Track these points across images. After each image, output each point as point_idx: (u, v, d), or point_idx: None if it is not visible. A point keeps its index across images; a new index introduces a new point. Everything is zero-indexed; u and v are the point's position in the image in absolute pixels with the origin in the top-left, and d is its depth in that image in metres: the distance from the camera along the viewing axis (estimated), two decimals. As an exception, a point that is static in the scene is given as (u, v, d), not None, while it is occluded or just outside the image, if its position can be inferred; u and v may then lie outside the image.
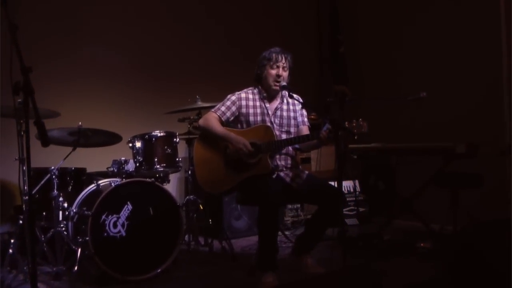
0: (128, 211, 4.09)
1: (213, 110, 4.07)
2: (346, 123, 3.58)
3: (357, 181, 6.02)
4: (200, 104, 4.95)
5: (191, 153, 4.85)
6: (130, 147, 4.56)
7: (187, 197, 4.97)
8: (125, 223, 4.06)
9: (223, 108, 4.04)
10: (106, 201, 4.01)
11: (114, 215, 4.03)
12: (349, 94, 6.20)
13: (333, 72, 6.52)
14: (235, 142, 3.88)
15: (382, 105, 5.80)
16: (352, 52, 6.57)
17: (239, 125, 4.08)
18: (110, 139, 4.56)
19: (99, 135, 4.44)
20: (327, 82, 6.80)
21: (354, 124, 3.58)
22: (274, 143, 3.88)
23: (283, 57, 3.99)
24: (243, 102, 4.05)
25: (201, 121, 4.07)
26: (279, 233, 4.77)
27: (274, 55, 3.99)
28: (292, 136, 4.06)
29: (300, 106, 4.14)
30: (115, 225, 4.03)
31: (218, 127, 3.96)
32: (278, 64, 3.98)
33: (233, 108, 4.04)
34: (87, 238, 3.93)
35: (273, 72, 3.98)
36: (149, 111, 5.74)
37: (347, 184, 6.02)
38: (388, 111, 5.81)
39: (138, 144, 4.51)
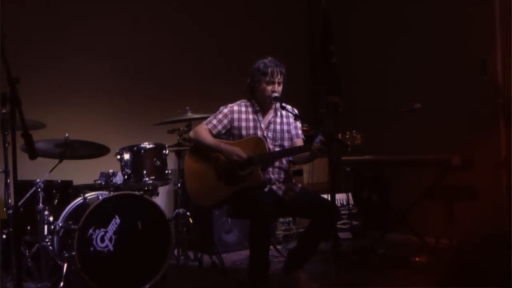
0: (116, 225, 4.07)
1: (204, 122, 4.09)
2: (340, 134, 3.59)
3: (350, 194, 6.00)
4: (190, 115, 4.95)
5: (181, 165, 4.85)
6: (118, 159, 4.55)
7: (177, 210, 4.95)
8: (113, 237, 4.04)
9: (214, 121, 4.05)
10: (93, 214, 4.00)
11: (102, 229, 4.02)
12: (342, 105, 6.20)
13: (326, 83, 6.52)
14: (227, 153, 3.89)
15: (376, 117, 5.80)
16: (344, 63, 6.58)
17: (231, 138, 4.10)
18: (97, 151, 4.54)
19: (86, 147, 4.42)
20: (320, 93, 6.80)
21: (348, 136, 3.59)
22: (266, 155, 3.89)
23: (279, 72, 4.00)
24: (236, 116, 4.06)
25: (191, 133, 4.08)
26: (271, 247, 4.75)
27: (270, 70, 3.98)
28: (282, 149, 4.07)
29: (294, 118, 4.14)
30: (102, 240, 4.01)
31: (209, 138, 3.97)
32: (273, 80, 3.99)
33: (225, 122, 4.05)
34: (74, 253, 3.90)
35: (269, 88, 4.00)
36: (138, 123, 5.73)
37: (340, 197, 6.01)
38: (382, 122, 5.82)
39: (127, 156, 4.50)
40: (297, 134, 4.20)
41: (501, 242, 2.97)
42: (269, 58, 4.09)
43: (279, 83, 4.01)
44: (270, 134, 4.08)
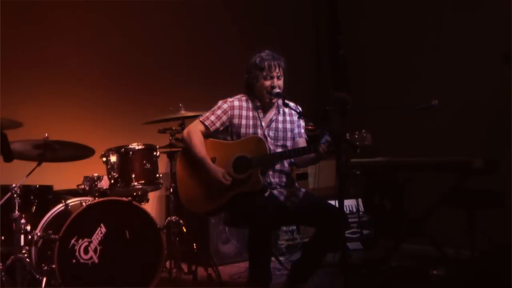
0: (101, 235, 4.07)
1: (201, 118, 4.07)
2: (348, 134, 3.58)
3: (360, 200, 5.99)
4: (183, 113, 4.94)
5: (173, 168, 4.84)
6: (104, 161, 4.54)
7: (169, 218, 4.93)
8: (98, 248, 4.04)
9: (212, 118, 4.03)
10: (76, 223, 4.00)
11: (85, 239, 4.02)
12: (350, 102, 6.19)
13: (333, 77, 6.51)
14: (212, 174, 3.90)
15: (388, 115, 5.78)
16: (353, 55, 6.56)
17: (228, 137, 4.09)
18: (81, 152, 4.52)
19: (68, 148, 4.41)
20: (326, 89, 6.79)
21: (357, 136, 3.59)
22: (266, 157, 3.88)
23: (277, 65, 3.99)
24: (236, 112, 4.05)
25: (185, 133, 4.08)
26: (273, 259, 4.75)
27: (266, 63, 3.98)
28: (285, 150, 4.06)
29: (297, 116, 4.11)
30: (86, 251, 4.01)
31: (198, 148, 3.98)
32: (272, 74, 3.99)
33: (224, 118, 4.05)
34: (54, 266, 3.89)
35: (267, 83, 3.99)
36: (125, 121, 5.72)
37: (349, 203, 6.00)
38: (395, 121, 5.80)
39: (113, 159, 4.50)
40: (299, 134, 4.19)
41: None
42: (267, 51, 4.08)
43: (278, 78, 4.00)
44: (271, 133, 4.07)
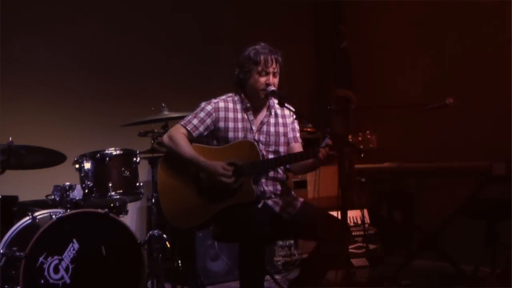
0: (74, 252, 4.06)
1: (182, 122, 4.03)
2: (350, 136, 3.57)
3: (365, 211, 5.97)
4: (166, 114, 4.94)
5: (155, 176, 4.79)
6: (76, 169, 4.54)
7: (150, 232, 4.93)
8: (70, 266, 4.04)
9: (195, 121, 4.00)
10: (44, 238, 3.98)
11: (56, 257, 4.00)
12: (354, 101, 6.19)
13: (334, 73, 6.51)
14: (209, 172, 3.86)
15: (397, 115, 5.77)
16: (358, 48, 6.56)
17: (214, 142, 4.06)
18: (50, 158, 4.53)
19: (36, 154, 4.41)
20: (327, 86, 6.78)
21: (360, 138, 3.57)
22: (259, 164, 3.85)
23: (274, 61, 3.96)
24: (222, 114, 4.02)
25: (165, 138, 4.03)
26: (267, 277, 4.74)
27: (262, 57, 3.94)
28: (281, 155, 4.03)
29: (291, 119, 4.10)
30: (56, 270, 3.99)
31: (186, 149, 3.93)
32: (268, 70, 3.95)
33: (208, 121, 4.01)
34: (19, 287, 3.86)
35: (262, 80, 3.95)
36: (101, 123, 5.71)
37: (353, 215, 5.99)
38: (405, 122, 5.81)
39: (87, 165, 4.50)
40: (295, 138, 4.16)
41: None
42: (262, 43, 4.04)
43: (274, 74, 3.97)
44: (262, 138, 4.04)
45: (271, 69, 3.94)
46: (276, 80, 3.98)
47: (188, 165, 3.94)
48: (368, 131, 3.55)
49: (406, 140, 5.81)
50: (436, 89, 5.68)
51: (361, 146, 3.54)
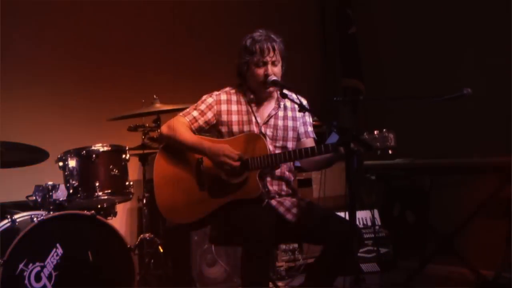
0: (57, 258, 4.08)
1: (181, 114, 4.04)
2: (365, 133, 3.56)
3: (376, 211, 5.98)
4: (158, 106, 4.95)
5: (147, 174, 4.91)
6: (60, 167, 4.55)
7: (142, 235, 4.98)
8: (53, 274, 4.05)
9: (195, 113, 4.00)
10: (25, 243, 3.99)
11: (37, 264, 4.01)
12: (363, 91, 6.19)
13: (342, 61, 6.49)
14: (213, 153, 3.83)
15: (410, 107, 5.77)
16: (367, 33, 6.55)
17: (219, 137, 4.06)
18: (31, 156, 4.54)
19: (15, 151, 4.42)
20: (333, 75, 6.77)
21: (376, 135, 3.56)
22: (266, 158, 3.84)
23: (271, 48, 3.94)
24: (224, 107, 4.02)
25: (164, 128, 4.02)
26: (270, 284, 4.69)
27: (258, 46, 3.93)
28: (293, 149, 4.01)
29: (299, 109, 4.07)
30: (38, 278, 4.00)
31: (187, 135, 3.93)
32: (265, 59, 3.94)
33: (209, 115, 4.01)
34: (-3, 297, 3.90)
35: (260, 71, 3.94)
36: (87, 117, 5.71)
37: (362, 216, 5.99)
38: (418, 114, 5.79)
39: (72, 163, 4.51)
40: (306, 133, 4.16)
41: None
42: (260, 30, 4.03)
43: (273, 63, 3.95)
44: (269, 132, 4.03)
45: (268, 59, 3.92)
46: (276, 69, 3.95)
47: (190, 155, 3.95)
48: (385, 129, 3.53)
49: (419, 133, 5.81)
50: (453, 79, 5.67)
51: (378, 144, 3.54)
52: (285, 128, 4.07)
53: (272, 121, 4.04)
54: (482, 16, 5.69)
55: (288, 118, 4.09)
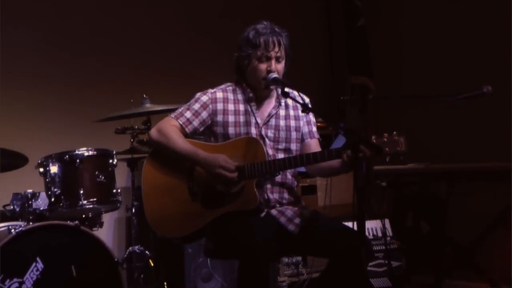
0: (38, 273, 4.09)
1: (172, 115, 4.02)
2: (374, 137, 3.55)
3: (387, 221, 5.95)
4: (148, 106, 4.96)
5: (136, 181, 4.92)
6: (41, 173, 4.54)
7: (130, 248, 4.96)
8: None
9: (188, 114, 3.98)
10: (2, 257, 3.98)
11: (15, 280, 4.03)
12: (373, 90, 6.18)
13: (349, 56, 6.49)
14: (208, 164, 3.83)
15: (424, 107, 5.76)
16: (377, 27, 6.54)
17: (212, 140, 4.05)
18: (9, 161, 4.55)
19: (-9, 156, 4.43)
20: (340, 72, 6.77)
21: (385, 139, 3.54)
22: (265, 165, 3.83)
23: (276, 43, 3.94)
24: (220, 106, 4.00)
25: (154, 133, 4.00)
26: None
27: (262, 40, 3.92)
28: (293, 155, 4.00)
29: (302, 109, 4.06)
30: (16, 295, 4.01)
31: (180, 142, 3.91)
32: (269, 54, 3.93)
33: (204, 114, 3.99)
34: (-29, 317, 3.93)
35: (263, 66, 3.93)
36: (70, 118, 5.72)
37: (372, 226, 5.95)
38: (433, 115, 5.79)
39: (54, 169, 4.52)
40: (310, 133, 4.15)
41: None
42: (265, 22, 4.02)
43: (277, 59, 3.95)
44: (270, 133, 4.02)
45: (272, 53, 3.91)
46: (280, 66, 3.95)
47: (182, 162, 3.93)
48: (395, 132, 3.52)
49: (435, 135, 5.81)
50: (471, 76, 5.65)
51: (387, 149, 3.53)
52: (288, 128, 4.05)
53: (273, 121, 4.03)
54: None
55: (291, 117, 4.07)
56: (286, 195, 4.01)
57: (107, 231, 5.80)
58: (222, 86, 4.07)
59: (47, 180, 4.49)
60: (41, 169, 4.50)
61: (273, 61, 3.91)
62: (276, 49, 3.91)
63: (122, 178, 5.06)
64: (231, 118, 3.98)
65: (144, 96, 4.97)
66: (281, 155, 3.97)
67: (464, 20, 5.98)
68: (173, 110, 4.08)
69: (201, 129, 3.99)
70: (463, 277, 5.20)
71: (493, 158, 4.91)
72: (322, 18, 7.34)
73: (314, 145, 4.09)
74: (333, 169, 3.89)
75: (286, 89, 3.88)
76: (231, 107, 4.00)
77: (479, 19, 5.87)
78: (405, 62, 6.45)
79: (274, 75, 3.89)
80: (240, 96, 4.03)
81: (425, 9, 6.34)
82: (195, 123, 3.95)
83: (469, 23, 5.94)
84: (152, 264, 4.89)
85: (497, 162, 4.60)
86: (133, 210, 4.97)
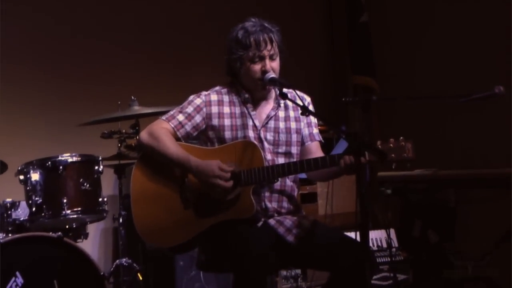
0: None
1: (164, 117, 4.00)
2: (379, 143, 3.54)
3: (393, 231, 5.94)
4: (137, 109, 4.97)
5: (124, 188, 4.94)
6: (21, 181, 4.58)
7: (118, 261, 4.99)
8: None
9: (180, 117, 3.96)
10: None
11: None
12: (376, 90, 6.18)
13: (352, 55, 6.49)
14: (201, 173, 3.81)
15: (432, 109, 5.76)
16: (382, 23, 6.54)
17: (208, 144, 4.03)
18: None
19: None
20: (342, 72, 6.77)
21: (392, 145, 3.53)
22: (262, 171, 3.81)
23: (268, 40, 3.92)
24: (214, 109, 3.99)
25: (144, 135, 3.98)
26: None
27: (253, 39, 3.90)
28: (294, 159, 4.00)
29: (301, 111, 4.04)
30: (-6, 312, 4.05)
31: (171, 146, 3.89)
32: (262, 53, 3.91)
33: (198, 118, 3.97)
34: None
35: (257, 67, 3.92)
36: (52, 122, 5.73)
37: (377, 236, 5.97)
38: (441, 117, 5.77)
39: (35, 176, 4.55)
40: (311, 135, 4.14)
41: None
42: (253, 19, 4.01)
43: (271, 57, 3.94)
44: (269, 136, 4.00)
45: (265, 52, 3.89)
46: (275, 64, 3.93)
47: (173, 168, 3.92)
48: (402, 137, 3.51)
49: (442, 140, 5.80)
50: (482, 77, 5.65)
51: (393, 156, 3.51)
52: (288, 130, 4.03)
53: (272, 123, 4.01)
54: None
55: (291, 119, 4.06)
56: (285, 204, 3.99)
57: (93, 243, 5.79)
58: (216, 88, 4.05)
59: (28, 188, 4.49)
60: (21, 177, 4.51)
61: (267, 60, 3.88)
62: (269, 47, 3.89)
63: (108, 186, 5.06)
64: (227, 122, 3.96)
65: (133, 98, 4.97)
66: (281, 160, 3.95)
67: (476, 16, 5.99)
68: (163, 113, 4.07)
69: (195, 134, 3.97)
70: (475, 292, 5.20)
71: (505, 164, 4.90)
72: (323, 14, 7.34)
73: (314, 149, 4.07)
74: (334, 173, 3.90)
75: (285, 90, 3.87)
76: (226, 109, 3.98)
77: (490, 17, 5.87)
78: (415, 62, 6.44)
79: (271, 75, 3.87)
80: (235, 98, 4.01)
81: (436, 5, 6.34)
82: (188, 127, 3.93)
83: (480, 20, 5.95)
84: (141, 278, 4.90)
85: (509, 168, 4.59)
86: (121, 220, 4.98)
